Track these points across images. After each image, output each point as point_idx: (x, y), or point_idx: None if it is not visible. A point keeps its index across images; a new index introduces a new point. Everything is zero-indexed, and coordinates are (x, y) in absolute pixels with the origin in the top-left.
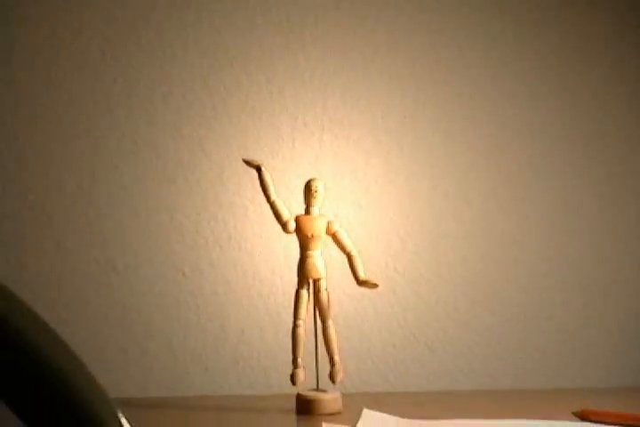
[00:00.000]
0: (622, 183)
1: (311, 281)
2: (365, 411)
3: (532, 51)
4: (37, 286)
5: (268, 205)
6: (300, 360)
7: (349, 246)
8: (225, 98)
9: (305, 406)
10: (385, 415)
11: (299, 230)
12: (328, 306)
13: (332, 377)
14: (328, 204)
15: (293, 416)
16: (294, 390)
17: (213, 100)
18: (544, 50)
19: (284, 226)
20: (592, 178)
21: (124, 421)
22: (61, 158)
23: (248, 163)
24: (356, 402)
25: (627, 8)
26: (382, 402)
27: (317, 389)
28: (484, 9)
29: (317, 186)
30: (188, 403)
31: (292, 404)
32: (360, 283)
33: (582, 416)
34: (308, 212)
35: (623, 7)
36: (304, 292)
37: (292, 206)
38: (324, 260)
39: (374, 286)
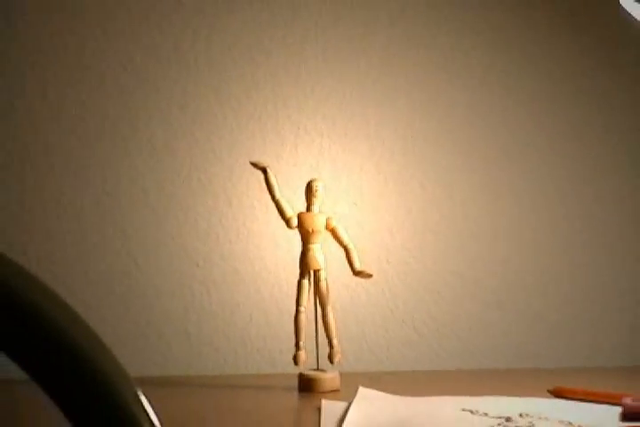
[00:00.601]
0: (601, 179)
1: (312, 272)
2: (361, 389)
3: (517, 53)
4: (67, 277)
5: (272, 204)
6: (301, 343)
7: (346, 241)
8: (234, 108)
9: (306, 385)
10: (379, 392)
11: (300, 226)
12: (327, 294)
13: (330, 358)
14: (327, 202)
15: (296, 393)
16: (297, 370)
17: (224, 109)
18: (530, 53)
19: (287, 222)
20: (573, 173)
21: (142, 397)
22: (88, 161)
23: (255, 165)
24: (353, 380)
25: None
26: (376, 380)
27: (317, 368)
28: (474, 23)
29: (317, 186)
30: (200, 381)
31: (295, 382)
32: (356, 273)
33: (556, 393)
34: (309, 209)
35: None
36: (305, 281)
37: (294, 204)
38: (324, 253)
39: (368, 276)
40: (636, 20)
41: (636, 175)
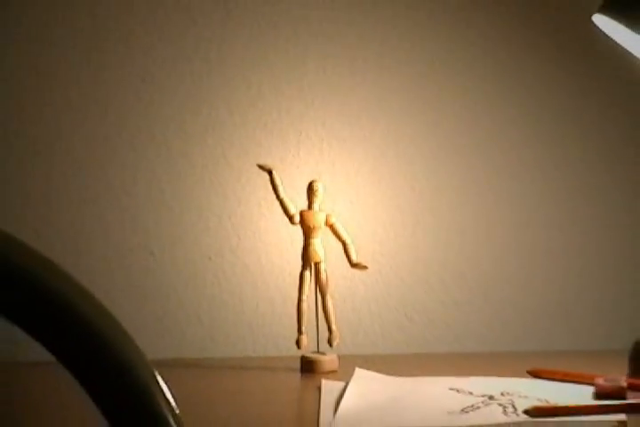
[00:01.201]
0: (584, 178)
1: (313, 264)
2: (357, 369)
3: (504, 62)
4: (90, 269)
5: (277, 202)
6: (303, 328)
7: (344, 236)
8: (243, 115)
9: (308, 366)
10: (373, 373)
11: (302, 222)
12: (326, 284)
13: (329, 342)
14: (326, 201)
15: (298, 374)
16: (299, 353)
17: (233, 118)
18: (517, 61)
19: (290, 219)
20: (552, 172)
21: (158, 377)
22: (109, 164)
23: (262, 167)
24: (350, 362)
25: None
26: (371, 362)
27: (318, 351)
28: (463, 36)
29: (318, 186)
30: (211, 363)
31: (297, 364)
32: (353, 265)
33: (535, 374)
34: (310, 207)
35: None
36: (307, 273)
37: (297, 203)
38: (324, 247)
39: (364, 267)
40: (609, 36)
41: (607, 169)
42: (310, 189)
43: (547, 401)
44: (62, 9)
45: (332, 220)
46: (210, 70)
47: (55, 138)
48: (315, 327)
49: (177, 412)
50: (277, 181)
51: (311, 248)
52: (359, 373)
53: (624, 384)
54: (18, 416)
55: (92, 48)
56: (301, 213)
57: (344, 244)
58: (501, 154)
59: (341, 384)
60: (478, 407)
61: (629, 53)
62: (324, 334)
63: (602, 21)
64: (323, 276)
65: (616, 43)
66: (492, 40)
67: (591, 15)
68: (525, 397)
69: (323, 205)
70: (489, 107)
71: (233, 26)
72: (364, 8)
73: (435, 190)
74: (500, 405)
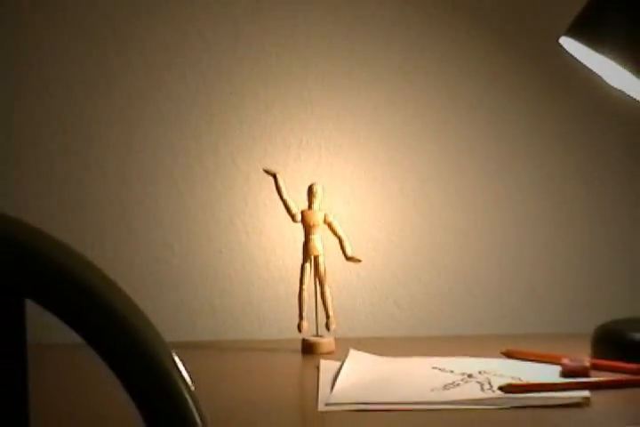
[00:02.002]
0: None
1: (312, 257)
2: (352, 351)
3: (489, 73)
4: (115, 262)
5: (281, 202)
6: (304, 314)
7: (340, 232)
8: (250, 125)
9: (308, 348)
10: (366, 354)
11: (303, 220)
12: (324, 275)
13: (327, 326)
14: (325, 201)
15: (299, 355)
16: (300, 336)
17: (242, 127)
18: (501, 70)
19: (292, 217)
20: (529, 176)
21: (175, 357)
22: (134, 168)
23: (267, 172)
24: (345, 344)
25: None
26: (364, 344)
27: (317, 335)
28: (458, 51)
29: (317, 188)
30: (222, 345)
31: (298, 346)
32: (348, 259)
33: (509, 355)
34: (310, 207)
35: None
36: (307, 265)
37: (298, 203)
38: (322, 242)
39: (358, 261)
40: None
41: (574, 166)
42: (310, 191)
43: (519, 379)
44: (85, 22)
45: (330, 218)
46: (222, 85)
47: (83, 146)
48: (314, 313)
49: (192, 389)
50: (281, 184)
51: (311, 244)
52: (353, 354)
53: (587, 364)
54: (52, 395)
55: (114, 62)
56: (302, 213)
57: (340, 239)
58: (483, 159)
59: (337, 364)
60: (458, 385)
61: (594, 72)
62: (323, 319)
63: (568, 44)
64: (321, 268)
65: (582, 63)
66: (480, 53)
67: (558, 38)
68: (500, 375)
69: (321, 205)
70: (476, 111)
71: (242, 47)
72: (359, 29)
73: (421, 192)
74: (477, 382)
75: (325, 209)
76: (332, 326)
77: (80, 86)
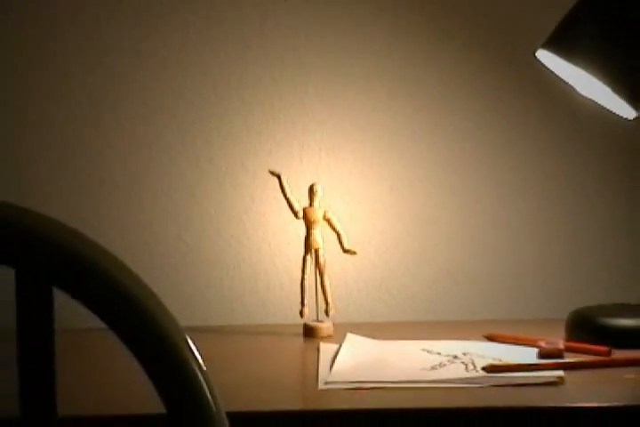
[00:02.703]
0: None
1: (313, 250)
2: (349, 334)
3: (472, 83)
4: (135, 254)
5: (284, 201)
6: (305, 301)
7: (338, 227)
8: (257, 130)
9: (309, 332)
10: (362, 337)
11: (305, 217)
12: (324, 266)
13: (326, 312)
14: (324, 199)
15: (301, 338)
16: (302, 321)
17: (250, 131)
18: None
19: (295, 214)
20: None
21: (189, 340)
22: (151, 170)
23: (272, 172)
24: (343, 329)
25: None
26: (359, 328)
27: (317, 320)
28: (453, 66)
29: (317, 188)
30: (231, 329)
31: (300, 330)
32: (345, 251)
33: (490, 338)
34: (311, 205)
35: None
36: (308, 257)
37: (300, 201)
38: (322, 236)
39: (354, 253)
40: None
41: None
42: (311, 190)
43: (500, 360)
44: (104, 28)
45: (329, 215)
46: (231, 96)
47: (113, 152)
48: (314, 301)
49: (204, 368)
50: (285, 184)
51: (312, 238)
52: (350, 337)
53: (562, 347)
54: (78, 375)
55: (138, 76)
56: (304, 210)
57: (338, 234)
58: (469, 161)
59: (336, 346)
60: (445, 365)
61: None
62: (322, 306)
63: (544, 56)
64: (321, 260)
65: (556, 75)
66: (470, 66)
67: (535, 51)
68: (483, 356)
69: (321, 203)
70: (464, 117)
71: (250, 62)
72: (355, 46)
73: (410, 191)
74: (462, 363)
75: (325, 206)
76: (331, 312)
77: (100, 93)
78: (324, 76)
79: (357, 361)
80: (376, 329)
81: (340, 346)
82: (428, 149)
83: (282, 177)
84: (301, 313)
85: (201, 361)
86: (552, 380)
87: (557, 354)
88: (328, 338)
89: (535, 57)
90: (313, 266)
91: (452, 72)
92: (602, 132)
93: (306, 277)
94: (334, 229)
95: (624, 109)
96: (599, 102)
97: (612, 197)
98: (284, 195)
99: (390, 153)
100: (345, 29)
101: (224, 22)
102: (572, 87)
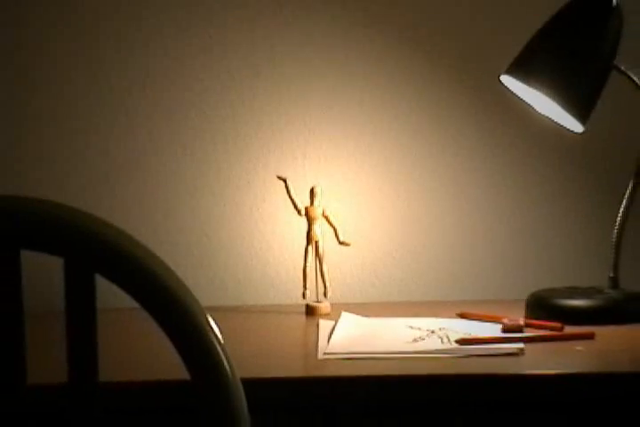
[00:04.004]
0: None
1: (314, 242)
2: (344, 313)
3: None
4: (162, 246)
5: (289, 200)
6: (307, 285)
7: (334, 223)
8: (267, 141)
9: (310, 311)
10: (355, 315)
11: (307, 214)
12: (323, 256)
13: (325, 294)
14: (323, 199)
15: (303, 316)
16: (304, 302)
17: (260, 142)
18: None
19: (298, 212)
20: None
21: (209, 317)
22: (178, 175)
23: (279, 177)
24: (338, 308)
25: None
26: (353, 308)
27: (317, 301)
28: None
29: (317, 190)
30: (244, 308)
31: (303, 309)
32: (340, 243)
33: (462, 316)
34: (311, 204)
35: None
36: (310, 248)
37: (303, 201)
38: (321, 230)
39: (347, 244)
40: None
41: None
42: (312, 192)
43: (470, 334)
44: (137, 53)
45: (327, 213)
46: (245, 113)
47: (147, 159)
48: (315, 284)
49: (222, 341)
50: (290, 187)
51: (312, 232)
52: (345, 315)
53: (522, 323)
54: (119, 348)
55: (169, 96)
56: (306, 208)
57: (334, 229)
58: (443, 170)
59: (333, 323)
60: (424, 338)
61: (531, 108)
62: (321, 288)
63: (507, 81)
64: (320, 250)
65: (518, 97)
66: (448, 90)
67: (499, 76)
68: (456, 331)
69: (320, 203)
70: (440, 130)
71: (260, 84)
72: (350, 69)
73: (395, 193)
74: (438, 337)
75: (323, 206)
76: (329, 294)
77: (136, 114)
78: (323, 95)
79: (351, 335)
80: (367, 308)
81: (337, 323)
82: (410, 158)
83: (287, 181)
84: (304, 295)
85: (219, 335)
86: (513, 351)
87: (518, 329)
88: (326, 316)
89: (500, 81)
90: (313, 255)
91: (437, 94)
92: (556, 143)
93: (307, 264)
94: (331, 224)
95: (574, 125)
96: (553, 119)
97: (567, 197)
98: (289, 196)
99: (378, 160)
100: (340, 58)
101: (239, 50)
102: (530, 106)
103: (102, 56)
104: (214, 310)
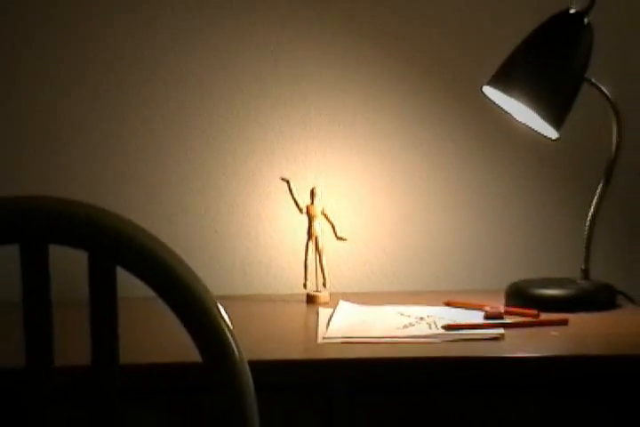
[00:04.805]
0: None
1: (314, 238)
2: (341, 302)
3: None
4: (179, 240)
5: (292, 200)
6: (308, 276)
7: (332, 220)
8: (271, 146)
9: (310, 299)
10: (351, 303)
11: (307, 212)
12: (322, 250)
13: (324, 284)
14: (322, 199)
15: (304, 304)
16: (305, 291)
17: (264, 146)
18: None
19: (300, 210)
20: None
21: (219, 305)
22: (192, 179)
23: (282, 178)
24: (336, 297)
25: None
26: (349, 297)
27: (317, 290)
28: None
29: (317, 190)
30: (250, 297)
31: (304, 298)
32: (337, 238)
33: (448, 304)
34: (312, 203)
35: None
36: (310, 243)
37: (304, 200)
38: (320, 227)
39: (344, 240)
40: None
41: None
42: (312, 192)
43: (455, 321)
44: (146, 61)
45: (326, 211)
46: (250, 119)
47: (155, 158)
48: (315, 276)
49: (230, 326)
50: (292, 187)
51: (312, 228)
52: (342, 303)
53: (502, 311)
54: (138, 333)
55: (181, 106)
56: (307, 207)
57: (332, 225)
58: (430, 173)
59: (331, 310)
60: (413, 325)
61: (510, 116)
62: (321, 279)
63: (489, 91)
64: (320, 245)
65: (500, 106)
66: (434, 100)
67: (481, 87)
68: (442, 318)
69: (320, 202)
70: (428, 138)
71: (265, 93)
72: (350, 77)
73: (389, 193)
74: (427, 323)
75: (322, 204)
76: (327, 285)
77: (160, 126)
78: (321, 104)
79: (348, 322)
80: (362, 297)
81: (335, 310)
82: (400, 163)
83: (290, 182)
84: (305, 285)
85: (228, 321)
86: (495, 336)
87: (499, 316)
88: (325, 304)
89: (482, 92)
90: (313, 249)
91: (428, 104)
92: (533, 147)
93: (308, 257)
94: (329, 221)
95: (549, 131)
96: (531, 126)
97: (543, 197)
98: (292, 196)
99: (372, 163)
100: (336, 72)
101: (246, 65)
102: (510, 115)
103: (114, 60)
104: (223, 299)
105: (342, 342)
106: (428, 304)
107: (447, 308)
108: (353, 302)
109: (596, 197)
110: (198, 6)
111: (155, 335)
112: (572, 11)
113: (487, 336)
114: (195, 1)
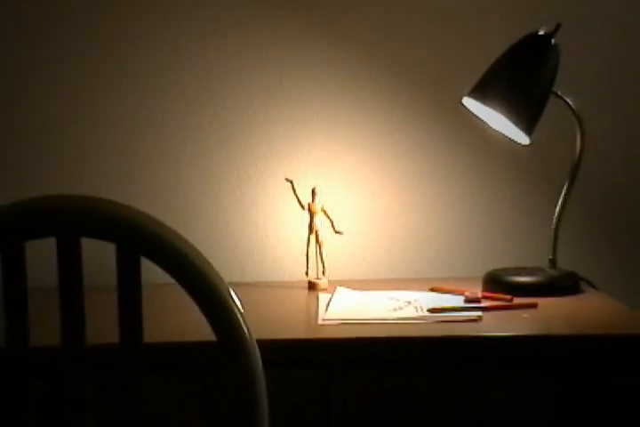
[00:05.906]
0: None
1: (314, 231)
2: (339, 288)
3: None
4: (194, 234)
5: (295, 198)
6: (309, 265)
7: (330, 216)
8: (279, 153)
9: (311, 286)
10: (347, 289)
11: (309, 209)
12: (322, 242)
13: (323, 273)
14: (321, 198)
15: (306, 290)
16: (307, 279)
17: (272, 151)
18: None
19: (302, 208)
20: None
21: (231, 290)
22: (205, 180)
23: (287, 179)
24: (334, 284)
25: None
26: (346, 284)
27: (317, 278)
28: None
29: (317, 190)
30: (258, 284)
31: (306, 285)
32: (335, 232)
33: (433, 290)
34: (312, 201)
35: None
36: (311, 236)
37: (306, 198)
38: (320, 222)
39: (341, 233)
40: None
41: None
42: (313, 192)
43: (438, 304)
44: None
45: (325, 208)
46: (258, 128)
47: (176, 168)
48: (315, 265)
49: (242, 310)
50: (295, 187)
51: (313, 223)
52: (339, 289)
53: (480, 296)
54: (160, 315)
55: (195, 112)
56: (308, 205)
57: (331, 221)
58: (417, 176)
59: (329, 295)
60: (402, 308)
61: (487, 124)
62: (321, 268)
63: (468, 102)
64: (320, 238)
65: (478, 117)
66: (420, 113)
67: (462, 98)
68: (428, 302)
69: (320, 200)
70: (414, 145)
71: (271, 104)
72: (350, 85)
73: (381, 192)
74: (414, 306)
75: (322, 202)
76: (326, 273)
77: (169, 132)
78: (324, 114)
79: (345, 305)
80: (357, 284)
81: (333, 295)
82: (391, 168)
83: (293, 182)
84: (306, 273)
85: (239, 304)
86: (473, 318)
87: (477, 300)
88: (324, 290)
89: (462, 103)
90: (314, 242)
91: (415, 116)
92: (507, 151)
93: (309, 249)
94: (328, 217)
95: (522, 138)
96: (505, 133)
97: (516, 195)
98: (295, 194)
99: (368, 165)
100: (334, 87)
101: (255, 78)
102: (486, 123)
103: (127, 65)
104: (235, 285)
105: (339, 324)
106: (416, 290)
107: (432, 293)
108: (349, 288)
109: (562, 195)
110: (220, 35)
111: (174, 317)
112: (540, 32)
113: (467, 318)
114: (215, 31)
